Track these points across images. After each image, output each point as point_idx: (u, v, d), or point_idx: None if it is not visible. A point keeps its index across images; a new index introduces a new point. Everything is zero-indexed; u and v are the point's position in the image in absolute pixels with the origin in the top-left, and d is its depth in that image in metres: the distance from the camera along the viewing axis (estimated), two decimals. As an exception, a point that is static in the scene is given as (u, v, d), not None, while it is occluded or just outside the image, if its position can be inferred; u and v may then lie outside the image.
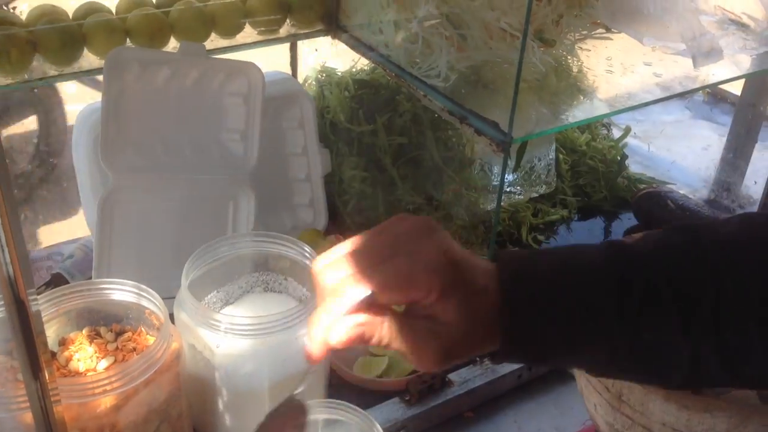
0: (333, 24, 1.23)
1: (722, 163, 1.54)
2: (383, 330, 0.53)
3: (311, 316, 0.53)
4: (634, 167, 1.60)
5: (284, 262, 0.98)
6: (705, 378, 0.58)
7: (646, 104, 1.10)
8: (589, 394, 0.84)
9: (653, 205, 1.41)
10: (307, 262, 0.95)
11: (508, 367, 1.09)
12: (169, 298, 0.90)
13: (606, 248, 0.58)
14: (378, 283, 0.52)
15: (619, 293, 0.55)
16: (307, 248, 0.95)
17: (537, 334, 0.55)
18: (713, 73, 1.17)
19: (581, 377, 0.86)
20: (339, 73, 1.35)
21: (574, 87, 1.25)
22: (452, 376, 1.06)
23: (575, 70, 1.25)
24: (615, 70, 1.20)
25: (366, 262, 0.52)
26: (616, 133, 1.60)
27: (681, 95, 1.13)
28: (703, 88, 1.17)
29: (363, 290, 0.52)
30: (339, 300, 0.52)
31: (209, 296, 0.96)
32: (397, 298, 0.53)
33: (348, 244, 0.54)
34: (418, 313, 0.54)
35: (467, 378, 1.06)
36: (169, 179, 1.09)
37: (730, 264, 0.56)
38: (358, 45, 1.20)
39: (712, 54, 1.08)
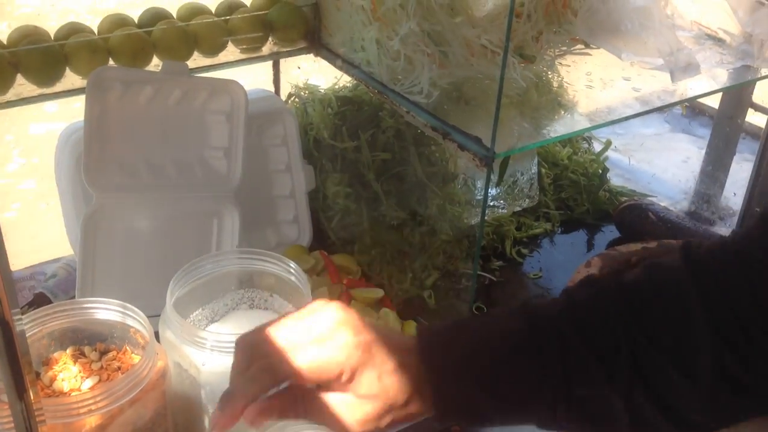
0: (315, 42, 1.24)
1: (701, 175, 1.56)
2: (300, 407, 0.58)
3: (222, 394, 0.57)
4: (615, 180, 1.62)
5: (269, 279, 0.98)
6: (651, 430, 0.59)
7: (626, 118, 1.11)
8: None
9: (635, 217, 1.42)
10: (293, 278, 0.95)
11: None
12: (154, 316, 0.90)
13: (519, 314, 0.61)
14: (292, 370, 0.56)
15: (540, 356, 0.58)
16: (293, 264, 0.95)
17: (467, 402, 0.59)
18: (691, 87, 1.19)
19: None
20: (322, 90, 1.36)
21: (554, 102, 1.26)
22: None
23: (555, 85, 1.27)
24: (595, 85, 1.22)
25: (281, 350, 0.57)
26: (597, 147, 1.62)
27: (659, 109, 1.14)
28: (681, 102, 1.18)
29: (276, 380, 0.57)
30: (252, 385, 0.56)
31: (194, 314, 0.96)
32: (311, 382, 0.57)
33: (270, 329, 0.59)
34: (335, 389, 0.58)
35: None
36: (153, 198, 1.09)
37: (636, 313, 0.59)
38: (340, 62, 1.21)
39: (690, 68, 1.09)
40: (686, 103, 1.68)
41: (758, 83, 1.35)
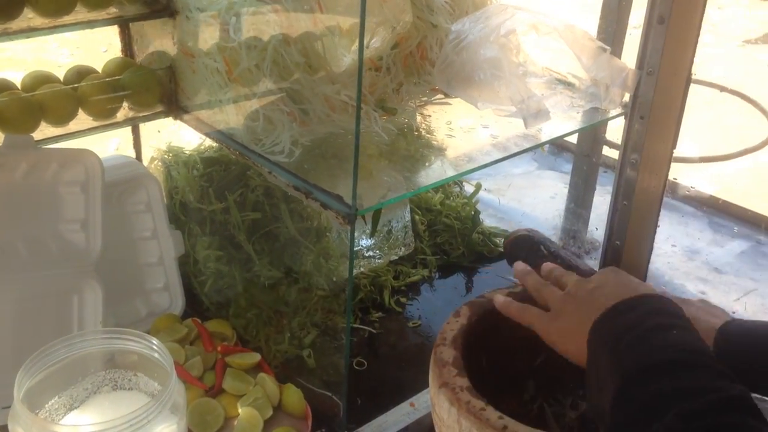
0: (173, 105, 1.21)
1: (566, 212, 1.62)
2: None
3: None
4: (488, 221, 1.66)
5: (132, 357, 0.93)
6: None
7: (484, 166, 1.14)
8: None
9: (528, 251, 1.44)
10: (156, 355, 0.91)
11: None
12: (7, 407, 0.83)
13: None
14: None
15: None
16: (155, 340, 0.91)
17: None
18: (545, 131, 1.23)
19: (437, 421, 0.85)
20: (186, 152, 1.33)
21: (425, 149, 1.28)
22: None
23: (424, 133, 1.29)
24: (455, 134, 1.25)
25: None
26: (469, 190, 1.66)
27: (516, 155, 1.18)
28: (537, 146, 1.23)
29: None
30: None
31: (50, 403, 0.90)
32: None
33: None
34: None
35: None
36: (3, 281, 1.02)
37: None
38: (200, 125, 1.18)
39: (540, 115, 1.14)
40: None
41: (610, 122, 1.43)
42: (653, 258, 1.42)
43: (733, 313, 1.44)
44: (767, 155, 2.34)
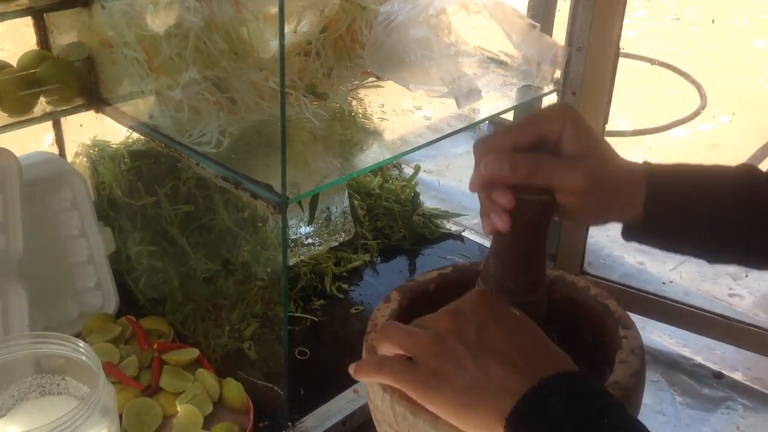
0: (94, 97, 1.16)
1: (506, 190, 1.62)
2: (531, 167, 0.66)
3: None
4: (429, 202, 1.65)
5: (58, 361, 0.90)
6: None
7: (418, 148, 1.13)
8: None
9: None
10: (83, 357, 0.88)
11: (320, 428, 1.07)
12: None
13: (739, 178, 0.71)
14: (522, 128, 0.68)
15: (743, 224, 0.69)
16: (81, 343, 0.88)
17: (662, 231, 0.71)
18: (478, 110, 1.23)
19: (382, 426, 0.85)
20: (113, 146, 1.28)
21: (360, 133, 1.27)
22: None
23: (358, 117, 1.27)
24: (389, 116, 1.23)
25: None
26: (409, 172, 1.65)
27: (451, 135, 1.17)
28: (471, 125, 1.22)
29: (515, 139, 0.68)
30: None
31: (-26, 414, 0.86)
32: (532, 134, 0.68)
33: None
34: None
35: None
36: None
37: None
38: (123, 117, 1.14)
39: (472, 94, 1.13)
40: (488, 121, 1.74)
41: (544, 98, 1.43)
42: (592, 231, 1.44)
43: (671, 282, 1.46)
44: (700, 125, 2.39)
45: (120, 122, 1.17)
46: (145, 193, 1.23)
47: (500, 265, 0.75)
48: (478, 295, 0.65)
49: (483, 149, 0.68)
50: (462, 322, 0.61)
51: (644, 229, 0.71)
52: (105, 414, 0.86)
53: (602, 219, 0.74)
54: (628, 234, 0.73)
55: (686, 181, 0.72)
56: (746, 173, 0.72)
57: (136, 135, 1.29)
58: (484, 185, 0.67)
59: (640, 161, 0.73)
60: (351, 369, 0.65)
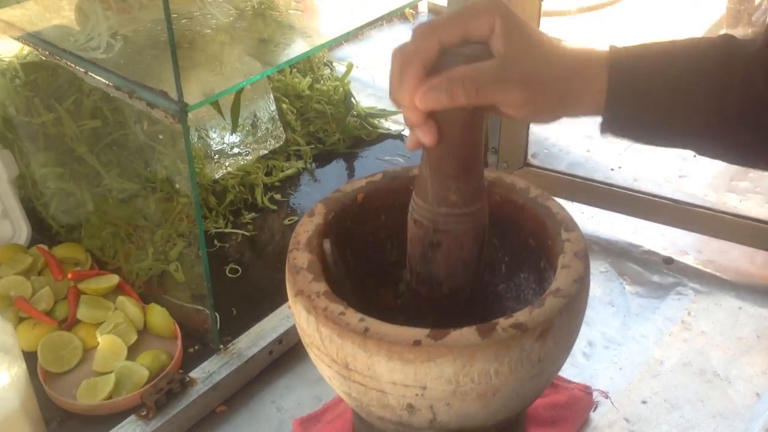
0: (-31, 5, 1.03)
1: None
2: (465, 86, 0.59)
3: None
4: (365, 101, 1.55)
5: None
6: None
7: (342, 37, 1.03)
8: (321, 367, 0.78)
9: None
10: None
11: (254, 348, 1.01)
12: None
13: (719, 45, 0.62)
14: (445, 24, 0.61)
15: (719, 98, 0.60)
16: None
17: (636, 120, 0.63)
18: (405, -6, 1.12)
19: (311, 349, 0.79)
20: (4, 60, 1.15)
21: (285, 29, 1.16)
22: (193, 373, 0.96)
23: (285, 10, 1.16)
24: (308, 7, 1.12)
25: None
26: (341, 71, 1.54)
27: (377, 21, 1.07)
28: (398, 9, 1.12)
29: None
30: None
31: None
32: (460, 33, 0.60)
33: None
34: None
35: (211, 371, 0.97)
36: None
37: None
38: (7, 27, 1.01)
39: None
40: (411, 9, 1.62)
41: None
42: (535, 122, 1.36)
43: (619, 168, 1.41)
44: None
45: (5, 32, 1.05)
46: (44, 109, 1.11)
47: (436, 176, 0.68)
48: None
49: (404, 57, 0.61)
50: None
51: (609, 122, 0.64)
52: (6, 353, 0.78)
53: (551, 119, 0.66)
54: (601, 127, 0.65)
55: (654, 62, 0.63)
56: (724, 43, 0.63)
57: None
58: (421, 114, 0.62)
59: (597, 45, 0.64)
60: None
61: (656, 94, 0.62)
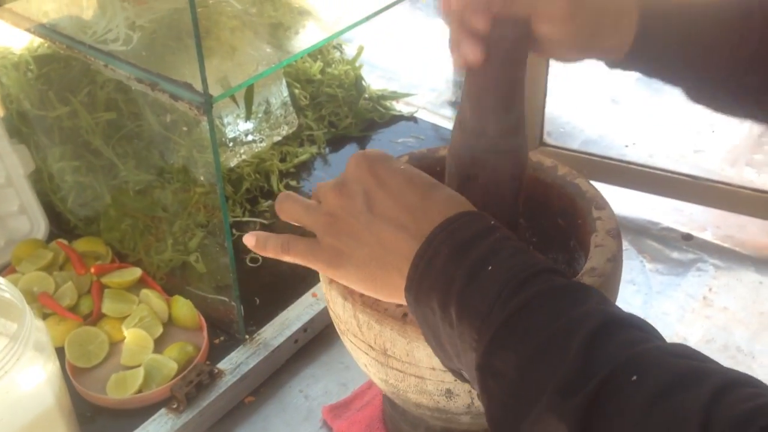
0: (-20, -2, 1.01)
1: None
2: None
3: None
4: (376, 83, 1.54)
5: (-22, 302, 0.81)
6: None
7: (358, 24, 1.02)
8: (357, 354, 0.78)
9: None
10: (7, 294, 0.79)
11: (280, 338, 1.01)
12: None
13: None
14: None
15: (740, 35, 0.62)
16: (2, 280, 0.79)
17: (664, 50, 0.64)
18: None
19: (346, 336, 0.79)
20: (15, 53, 1.14)
21: (295, 13, 1.14)
22: (221, 365, 0.97)
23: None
24: (321, -9, 1.11)
25: None
26: (351, 54, 1.53)
27: (391, 6, 1.06)
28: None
29: None
30: None
31: None
32: None
33: None
34: None
35: (239, 362, 0.97)
36: None
37: None
38: (19, 20, 1.00)
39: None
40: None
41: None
42: (550, 99, 1.35)
43: (634, 144, 1.40)
44: None
45: (16, 25, 1.03)
46: (59, 102, 1.10)
47: (476, 109, 0.67)
48: (360, 160, 0.58)
49: None
50: (348, 196, 0.57)
51: (632, 56, 0.64)
52: (41, 351, 0.78)
53: (584, 51, 0.65)
54: (611, 61, 0.66)
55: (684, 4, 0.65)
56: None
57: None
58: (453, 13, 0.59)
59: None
60: (250, 240, 0.61)
61: (682, 26, 0.64)
